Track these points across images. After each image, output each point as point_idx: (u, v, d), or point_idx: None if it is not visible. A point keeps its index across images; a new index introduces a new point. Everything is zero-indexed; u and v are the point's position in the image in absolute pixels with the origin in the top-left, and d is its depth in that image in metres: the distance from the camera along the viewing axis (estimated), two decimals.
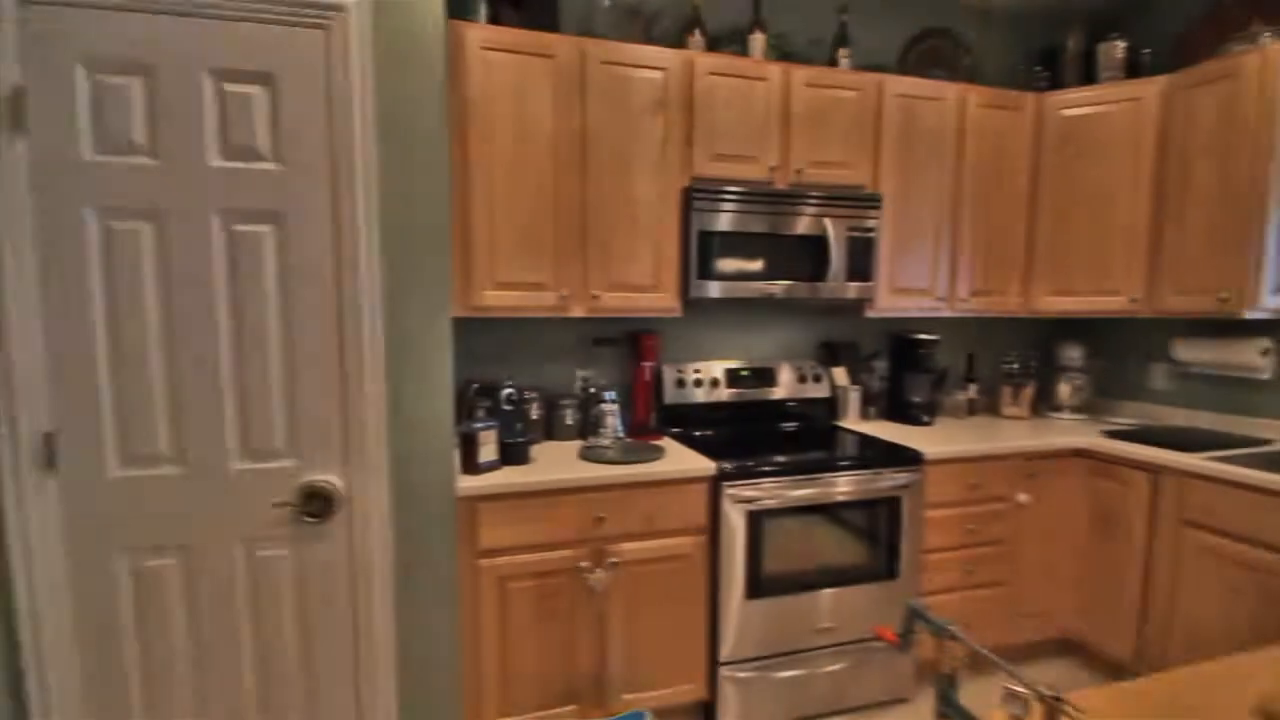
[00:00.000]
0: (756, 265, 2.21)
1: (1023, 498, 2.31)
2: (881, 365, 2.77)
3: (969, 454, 2.22)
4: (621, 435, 2.27)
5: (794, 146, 2.25)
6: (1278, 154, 2.03)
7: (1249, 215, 2.08)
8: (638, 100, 2.09)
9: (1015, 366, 2.77)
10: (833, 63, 2.38)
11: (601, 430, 2.26)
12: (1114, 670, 2.31)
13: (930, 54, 2.71)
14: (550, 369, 2.44)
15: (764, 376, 2.58)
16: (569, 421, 2.34)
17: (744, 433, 2.47)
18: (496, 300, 2.03)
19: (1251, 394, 2.35)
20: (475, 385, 2.13)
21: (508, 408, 2.01)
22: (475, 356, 2.35)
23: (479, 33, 1.92)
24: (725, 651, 2.02)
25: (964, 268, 2.52)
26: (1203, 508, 1.98)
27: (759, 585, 2.02)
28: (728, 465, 1.96)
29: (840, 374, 2.68)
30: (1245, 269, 2.09)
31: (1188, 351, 2.46)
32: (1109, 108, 2.40)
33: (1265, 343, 2.25)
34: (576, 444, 2.25)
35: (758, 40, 2.27)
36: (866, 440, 2.34)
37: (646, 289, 2.18)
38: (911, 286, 2.47)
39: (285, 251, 1.45)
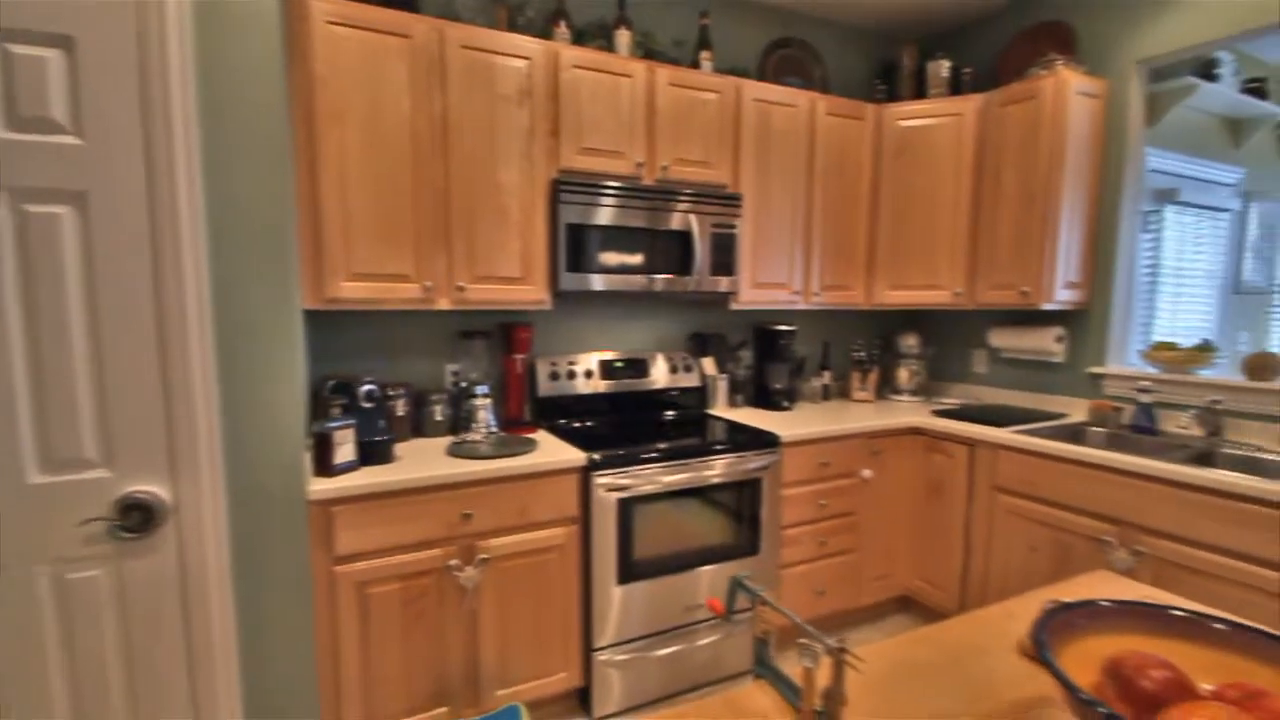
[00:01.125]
0: (625, 259, 2.26)
1: (867, 473, 2.54)
2: (747, 355, 2.93)
3: (820, 435, 2.41)
4: (494, 429, 2.23)
5: (659, 144, 2.32)
6: (1067, 165, 2.38)
7: (1044, 220, 2.42)
8: (502, 88, 2.06)
9: (862, 354, 3.03)
10: (695, 64, 2.47)
11: (473, 425, 2.21)
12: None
13: (786, 62, 2.89)
14: (417, 364, 2.35)
15: (638, 367, 2.64)
16: (439, 418, 2.27)
17: (619, 423, 2.52)
18: (353, 292, 1.92)
19: (1049, 375, 2.74)
20: (332, 382, 2.01)
21: (368, 405, 1.92)
22: (333, 352, 2.21)
23: (325, 5, 1.80)
24: (599, 637, 2.06)
25: (816, 264, 2.72)
26: (1009, 474, 2.28)
27: (631, 570, 2.07)
28: (598, 455, 2.00)
29: (709, 364, 2.80)
30: (1041, 267, 2.43)
31: (1000, 339, 2.83)
32: (936, 121, 2.68)
33: (1059, 330, 2.63)
34: (447, 440, 2.19)
35: (623, 37, 2.31)
36: (731, 426, 2.47)
37: (516, 281, 2.16)
38: (770, 281, 2.63)
39: (91, 235, 1.29)
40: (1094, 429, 2.39)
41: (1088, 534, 2.04)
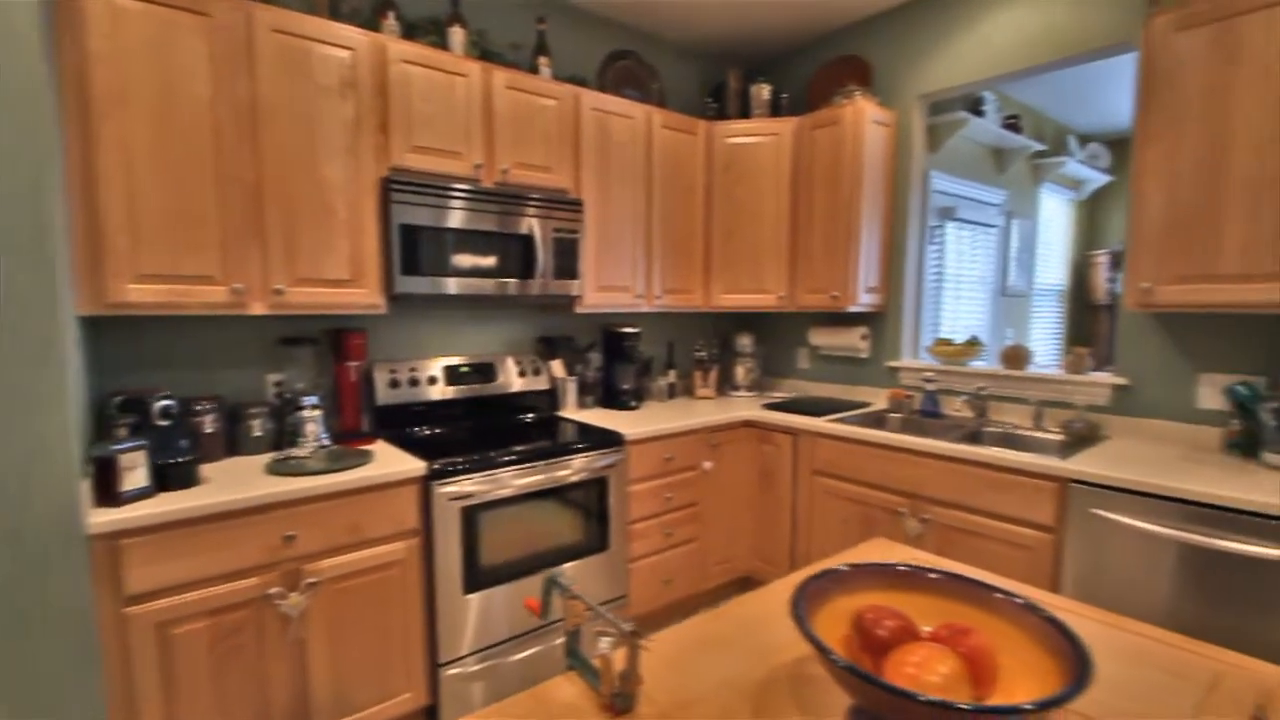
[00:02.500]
0: (465, 261, 2.21)
1: (707, 465, 2.71)
2: (596, 357, 3.00)
3: (664, 432, 2.53)
4: (326, 443, 2.09)
5: (498, 146, 2.30)
6: (865, 184, 2.70)
7: (848, 232, 2.73)
8: (323, 79, 1.93)
9: (704, 354, 3.23)
10: (534, 69, 2.48)
11: (300, 440, 2.05)
12: None
13: (625, 73, 3.00)
14: (230, 375, 2.13)
15: (485, 372, 2.60)
16: (258, 433, 2.08)
17: (466, 429, 2.47)
18: (143, 296, 1.70)
19: (858, 369, 3.10)
20: (119, 399, 1.77)
21: (164, 422, 1.71)
22: (126, 364, 1.95)
23: None
24: (447, 651, 2.00)
25: (657, 268, 2.85)
26: (825, 459, 2.55)
27: (479, 578, 2.04)
28: (439, 464, 1.95)
29: (558, 366, 2.83)
30: (847, 274, 2.75)
31: (818, 338, 3.15)
32: (759, 139, 2.92)
33: (864, 329, 2.99)
34: (269, 457, 2.01)
35: (457, 35, 2.26)
36: (578, 427, 2.52)
37: (345, 284, 2.03)
38: (614, 284, 2.71)
39: None
40: (892, 415, 2.74)
41: (887, 507, 2.34)
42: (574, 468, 2.24)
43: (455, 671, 2.03)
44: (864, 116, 2.66)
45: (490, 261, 2.27)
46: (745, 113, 3.12)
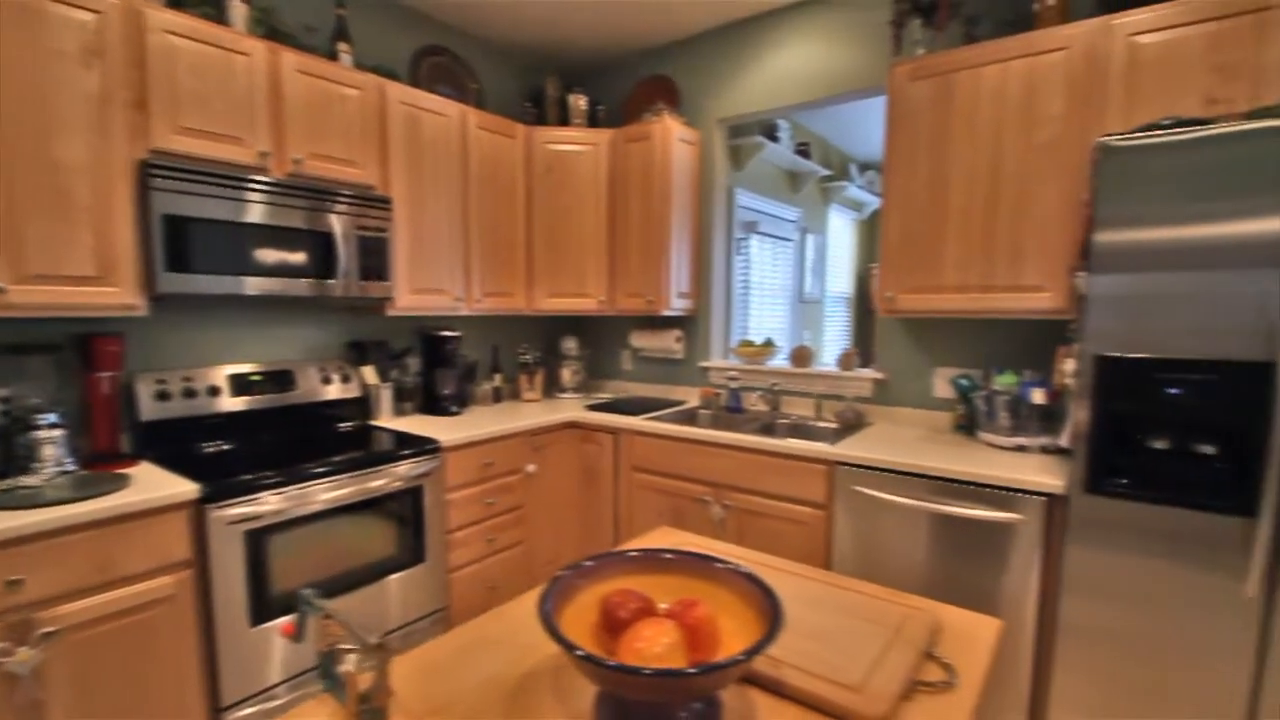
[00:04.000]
0: (250, 259, 2.01)
1: (531, 468, 2.72)
2: (415, 362, 2.88)
3: (483, 437, 2.50)
4: (71, 468, 1.79)
5: (290, 134, 2.13)
6: (674, 197, 2.89)
7: (661, 241, 2.90)
8: (58, 42, 1.65)
9: (529, 357, 3.23)
10: (333, 56, 2.32)
11: (34, 465, 1.74)
12: None
13: (440, 70, 2.91)
14: None
15: (282, 380, 2.38)
16: None
17: (263, 443, 2.24)
18: None
19: (675, 369, 3.30)
20: None
21: None
22: None
23: None
24: (233, 692, 1.81)
25: (477, 271, 2.81)
26: (642, 455, 2.68)
27: (269, 607, 1.87)
28: (214, 484, 1.75)
29: (369, 372, 2.67)
30: (660, 279, 2.91)
31: (639, 340, 3.30)
32: (578, 148, 3.00)
33: (678, 332, 3.19)
34: None
35: (239, 10, 2.05)
36: (392, 436, 2.40)
37: (90, 281, 1.75)
38: (431, 287, 2.62)
39: None
40: (703, 411, 2.96)
41: (694, 497, 2.52)
42: (383, 478, 2.13)
43: (249, 712, 1.84)
44: (671, 134, 2.84)
45: (282, 259, 2.09)
46: (565, 120, 3.17)
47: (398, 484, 2.18)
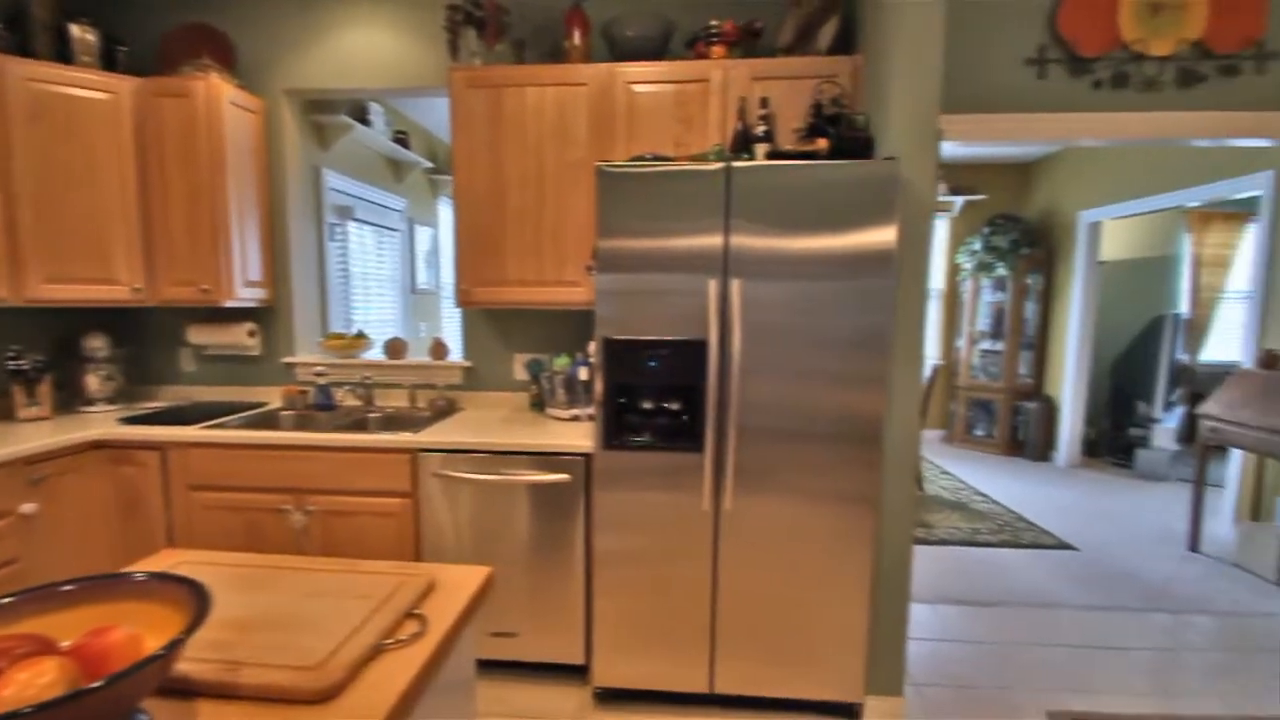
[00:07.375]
0: None
1: (28, 508, 2.09)
2: None
3: None
4: None
5: None
6: (229, 170, 2.52)
7: (214, 219, 2.51)
8: None
9: (24, 363, 2.46)
10: None
11: None
12: None
13: None
14: None
15: None
16: None
17: None
18: None
19: (251, 367, 2.92)
20: None
21: None
22: None
23: None
24: None
25: None
26: (202, 471, 2.30)
27: None
28: None
29: None
30: (218, 265, 2.53)
31: (199, 336, 2.82)
32: (89, 94, 2.37)
33: (251, 325, 2.82)
34: None
35: None
36: None
37: None
38: None
39: None
40: (285, 412, 2.69)
41: (272, 508, 2.29)
42: None
43: None
44: (220, 95, 2.47)
45: None
46: (67, 58, 2.47)
47: None
